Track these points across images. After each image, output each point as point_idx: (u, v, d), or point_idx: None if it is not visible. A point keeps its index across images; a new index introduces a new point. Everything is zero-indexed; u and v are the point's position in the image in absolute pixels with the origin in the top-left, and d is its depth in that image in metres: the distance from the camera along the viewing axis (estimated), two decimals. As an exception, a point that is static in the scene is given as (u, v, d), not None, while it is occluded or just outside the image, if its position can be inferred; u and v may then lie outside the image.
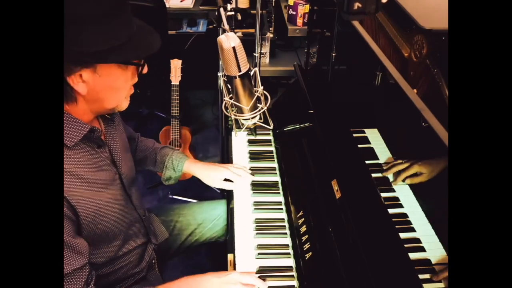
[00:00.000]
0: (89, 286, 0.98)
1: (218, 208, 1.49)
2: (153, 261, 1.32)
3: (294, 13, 2.19)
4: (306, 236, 1.14)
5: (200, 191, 2.42)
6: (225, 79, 1.04)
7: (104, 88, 0.94)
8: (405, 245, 1.04)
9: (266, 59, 2.31)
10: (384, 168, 1.29)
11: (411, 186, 1.23)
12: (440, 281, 1.01)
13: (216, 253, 1.65)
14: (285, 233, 1.24)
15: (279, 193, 1.38)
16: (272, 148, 1.56)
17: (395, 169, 1.26)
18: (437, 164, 1.19)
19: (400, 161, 1.27)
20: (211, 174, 1.39)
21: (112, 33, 0.87)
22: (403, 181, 1.23)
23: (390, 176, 1.27)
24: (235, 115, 1.07)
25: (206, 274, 1.10)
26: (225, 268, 1.18)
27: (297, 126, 1.48)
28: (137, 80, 1.03)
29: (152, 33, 0.97)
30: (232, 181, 1.39)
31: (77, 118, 0.95)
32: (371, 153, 1.37)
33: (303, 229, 1.16)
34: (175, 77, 2.27)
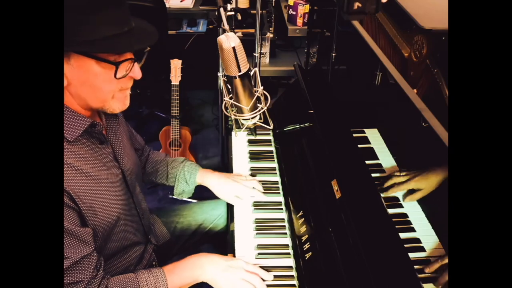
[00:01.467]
0: (99, 272, 0.99)
1: (218, 208, 1.49)
2: (154, 262, 1.31)
3: (294, 13, 2.19)
4: (306, 236, 1.14)
5: (200, 191, 2.41)
6: (225, 79, 1.04)
7: (82, 83, 0.91)
8: (405, 245, 1.04)
9: (266, 59, 2.31)
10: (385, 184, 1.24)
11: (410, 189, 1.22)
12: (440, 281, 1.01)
13: (216, 253, 1.65)
14: (285, 233, 1.24)
15: (279, 193, 1.37)
16: (272, 148, 1.56)
17: (392, 182, 1.22)
18: (435, 177, 1.15)
19: (398, 173, 1.23)
20: (224, 188, 1.35)
21: (89, 25, 0.84)
22: (404, 199, 1.19)
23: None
24: (235, 115, 1.07)
25: (211, 254, 1.12)
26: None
27: (297, 126, 1.48)
28: (131, 84, 1.00)
29: (139, 39, 0.92)
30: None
31: (78, 112, 0.95)
32: (371, 153, 1.37)
33: (303, 229, 1.16)
34: (175, 77, 2.27)
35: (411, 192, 1.19)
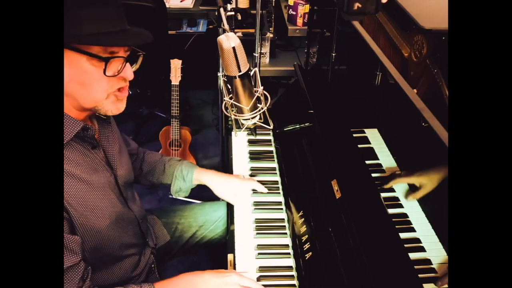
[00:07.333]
0: (85, 282, 0.97)
1: (219, 210, 1.49)
2: (152, 265, 1.30)
3: (294, 13, 2.19)
4: (306, 236, 1.14)
5: (200, 191, 2.41)
6: (225, 79, 1.04)
7: (72, 81, 0.89)
8: (405, 245, 1.04)
9: (266, 59, 2.31)
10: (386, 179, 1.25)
11: (411, 185, 1.22)
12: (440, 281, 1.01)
13: (216, 254, 1.65)
14: (285, 233, 1.24)
15: (279, 193, 1.37)
16: (272, 148, 1.56)
17: (395, 182, 1.22)
18: (437, 174, 1.16)
19: (399, 172, 1.23)
20: (224, 186, 1.35)
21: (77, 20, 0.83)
22: (405, 197, 1.19)
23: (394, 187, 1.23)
24: (235, 115, 1.07)
25: (204, 272, 1.09)
26: (225, 268, 1.18)
27: (297, 126, 1.48)
28: (123, 85, 0.97)
29: (130, 37, 0.92)
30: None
31: (69, 115, 0.94)
32: (371, 153, 1.37)
33: (303, 229, 1.16)
34: (175, 77, 2.27)
35: (413, 190, 1.18)
